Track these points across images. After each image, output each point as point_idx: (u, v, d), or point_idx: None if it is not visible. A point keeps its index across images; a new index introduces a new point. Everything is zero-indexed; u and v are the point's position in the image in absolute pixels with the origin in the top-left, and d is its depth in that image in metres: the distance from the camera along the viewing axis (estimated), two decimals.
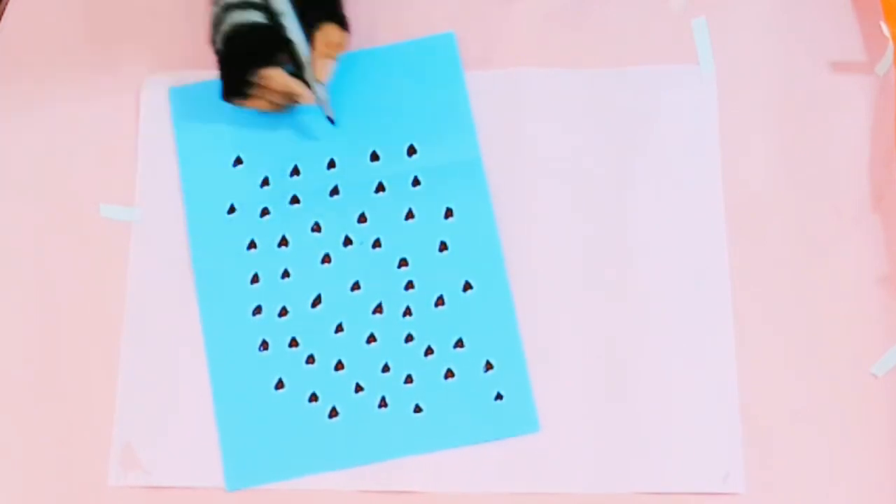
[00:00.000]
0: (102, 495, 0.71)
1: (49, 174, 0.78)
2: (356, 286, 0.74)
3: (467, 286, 0.73)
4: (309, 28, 0.73)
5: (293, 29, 0.73)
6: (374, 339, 0.73)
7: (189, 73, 0.78)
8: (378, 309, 0.73)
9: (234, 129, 0.77)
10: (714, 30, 0.76)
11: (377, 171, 0.76)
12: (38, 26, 0.81)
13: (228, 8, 0.72)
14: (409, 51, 0.78)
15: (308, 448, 0.71)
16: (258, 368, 0.73)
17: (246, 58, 0.72)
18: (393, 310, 0.73)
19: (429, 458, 0.70)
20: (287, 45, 0.73)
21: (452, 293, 0.73)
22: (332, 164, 0.76)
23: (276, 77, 0.72)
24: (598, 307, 0.72)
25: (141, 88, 0.78)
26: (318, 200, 0.75)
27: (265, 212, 0.76)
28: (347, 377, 0.72)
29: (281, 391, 0.72)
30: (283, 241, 0.75)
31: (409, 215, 0.75)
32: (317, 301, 0.74)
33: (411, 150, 0.76)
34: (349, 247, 0.74)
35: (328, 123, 0.75)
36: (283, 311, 0.74)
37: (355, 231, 0.75)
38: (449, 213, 0.75)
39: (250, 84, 0.73)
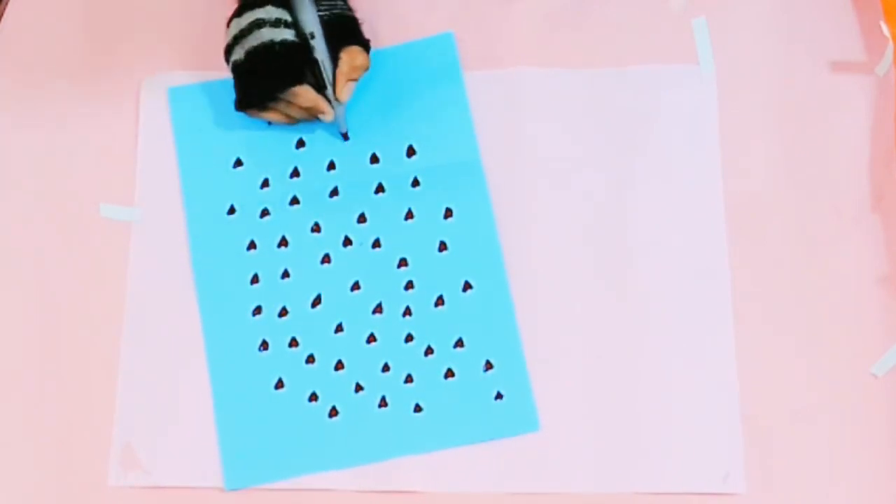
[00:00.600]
0: (102, 495, 0.71)
1: (49, 174, 0.78)
2: (356, 286, 0.74)
3: (467, 286, 0.73)
4: (334, 50, 0.75)
5: (320, 49, 0.74)
6: (374, 339, 0.72)
7: (189, 73, 0.78)
8: (378, 309, 0.73)
9: (234, 130, 0.78)
10: (714, 30, 0.76)
11: (377, 173, 0.76)
12: (38, 26, 0.81)
13: (260, 24, 0.73)
14: (408, 52, 0.78)
15: (308, 447, 0.71)
16: (258, 368, 0.73)
17: (276, 74, 0.73)
18: (393, 310, 0.73)
19: (428, 457, 0.70)
20: (314, 64, 0.74)
21: (452, 293, 0.73)
22: (331, 166, 0.77)
23: (305, 95, 0.73)
24: (597, 307, 0.72)
25: (141, 88, 0.78)
26: (318, 201, 0.76)
27: (265, 212, 0.76)
28: (347, 377, 0.72)
29: (281, 391, 0.72)
30: (283, 242, 0.75)
31: (409, 215, 0.75)
32: (317, 301, 0.74)
33: (411, 151, 0.76)
34: (349, 247, 0.75)
35: (340, 138, 0.76)
36: (283, 312, 0.74)
37: (355, 231, 0.75)
38: (448, 213, 0.75)
39: (274, 99, 0.74)
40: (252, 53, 0.73)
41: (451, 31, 0.78)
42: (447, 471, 0.70)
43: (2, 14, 0.81)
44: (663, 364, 0.71)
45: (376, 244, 0.75)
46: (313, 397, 0.72)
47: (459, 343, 0.72)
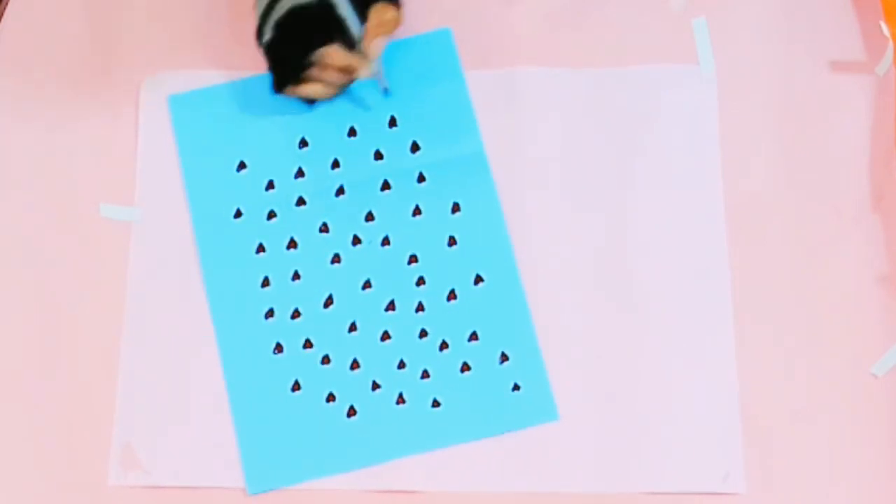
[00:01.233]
0: (102, 495, 0.70)
1: (49, 174, 0.76)
2: (367, 284, 0.74)
3: (478, 279, 0.74)
4: (362, 6, 0.74)
5: (344, 7, 0.73)
6: (388, 337, 0.73)
7: (189, 73, 0.77)
8: (390, 306, 0.74)
9: (236, 133, 0.77)
10: (714, 30, 0.77)
11: (381, 170, 0.76)
12: (38, 26, 0.79)
13: None
14: (407, 48, 0.78)
15: (328, 448, 0.71)
16: (273, 371, 0.73)
17: (302, 40, 0.72)
18: (405, 306, 0.73)
19: (428, 457, 0.70)
20: (339, 23, 0.73)
21: (464, 287, 0.74)
22: (336, 165, 0.77)
23: (335, 54, 0.73)
24: (597, 308, 0.73)
25: (141, 88, 0.77)
26: (324, 201, 0.76)
27: (272, 215, 0.76)
28: (363, 375, 0.72)
29: (298, 393, 0.72)
30: (292, 244, 0.75)
31: (416, 212, 0.75)
32: (328, 301, 0.74)
33: (414, 147, 0.77)
34: (358, 246, 0.75)
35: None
36: (296, 313, 0.74)
37: (363, 230, 0.75)
38: (456, 207, 0.75)
39: (307, 66, 0.73)
40: (279, 25, 0.73)
41: (449, 27, 0.79)
42: (446, 471, 0.70)
43: (2, 14, 0.79)
44: (663, 364, 0.72)
45: (385, 242, 0.75)
46: (330, 398, 0.72)
47: (474, 336, 0.73)
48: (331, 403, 0.72)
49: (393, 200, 0.76)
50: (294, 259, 0.75)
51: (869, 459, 0.70)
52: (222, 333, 0.73)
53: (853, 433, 0.70)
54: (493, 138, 0.76)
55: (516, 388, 0.72)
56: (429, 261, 0.74)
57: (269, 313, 0.74)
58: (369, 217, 0.75)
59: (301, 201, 0.76)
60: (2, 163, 0.77)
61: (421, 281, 0.74)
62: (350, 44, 0.74)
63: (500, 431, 0.71)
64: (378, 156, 0.77)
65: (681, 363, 0.72)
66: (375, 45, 0.74)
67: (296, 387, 0.73)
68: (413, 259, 0.75)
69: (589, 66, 0.77)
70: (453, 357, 0.73)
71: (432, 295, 0.74)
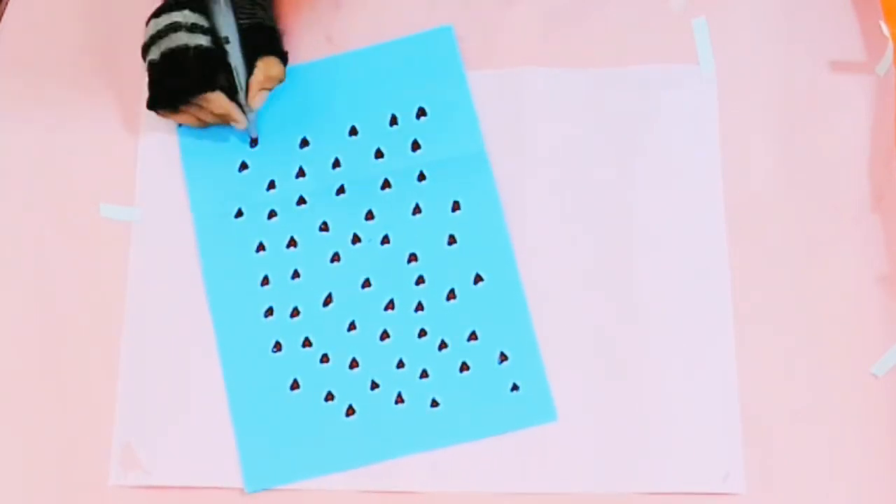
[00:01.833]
0: (102, 495, 0.71)
1: (49, 174, 0.77)
2: (367, 283, 0.74)
3: (478, 278, 0.74)
4: (250, 59, 0.76)
5: (235, 55, 0.75)
6: (388, 336, 0.73)
7: None
8: (390, 305, 0.73)
9: (238, 135, 0.77)
10: (714, 30, 0.77)
11: (382, 168, 0.76)
12: (38, 26, 0.79)
13: (176, 28, 0.73)
14: (408, 46, 0.78)
15: (326, 447, 0.71)
16: (272, 370, 0.73)
17: (189, 79, 0.73)
18: (405, 305, 0.73)
19: (426, 457, 0.70)
20: (228, 69, 0.74)
21: (463, 286, 0.74)
22: (336, 164, 0.77)
23: (217, 101, 0.74)
24: (596, 308, 0.73)
25: (141, 88, 0.76)
26: (325, 200, 0.76)
27: (272, 214, 0.76)
28: (362, 375, 0.72)
29: (296, 391, 0.72)
30: (292, 242, 0.75)
31: (416, 210, 0.75)
32: (328, 300, 0.74)
33: (415, 146, 0.77)
34: (358, 245, 0.75)
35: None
36: (295, 312, 0.74)
37: (363, 229, 0.75)
38: (456, 206, 0.75)
39: (186, 102, 0.73)
40: (167, 56, 0.73)
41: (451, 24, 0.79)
42: (446, 470, 0.70)
43: (2, 14, 0.79)
44: (663, 364, 0.72)
45: (385, 240, 0.75)
46: (329, 397, 0.72)
47: (473, 336, 0.73)
48: (329, 402, 0.72)
49: (393, 199, 0.76)
50: (294, 258, 0.75)
51: (869, 459, 0.70)
52: (222, 332, 0.73)
53: (853, 433, 0.70)
54: (494, 137, 0.76)
55: (515, 388, 0.72)
56: (428, 260, 0.74)
57: (269, 312, 0.74)
58: (369, 216, 0.75)
59: (301, 200, 0.76)
60: (2, 163, 0.77)
61: (420, 280, 0.74)
62: (232, 91, 0.74)
63: (498, 431, 0.71)
64: (378, 154, 0.77)
65: (681, 363, 0.72)
66: (259, 98, 0.75)
67: (295, 385, 0.73)
68: (413, 258, 0.75)
69: (589, 65, 0.77)
70: (452, 357, 0.73)
71: (432, 294, 0.74)
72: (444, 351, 0.73)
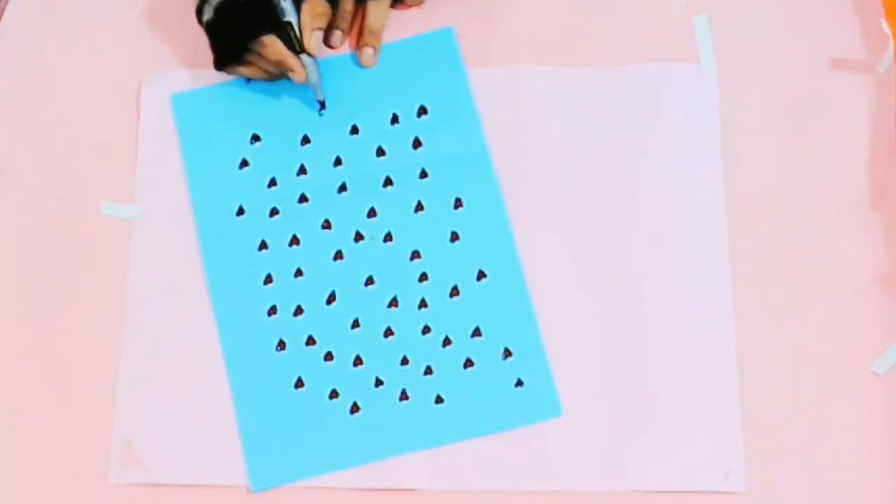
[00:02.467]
0: (102, 493, 0.71)
1: (50, 172, 0.77)
2: (370, 281, 0.74)
3: (481, 275, 0.74)
4: (296, 2, 0.74)
5: (290, 11, 0.74)
6: (391, 333, 0.73)
7: (189, 72, 0.78)
8: (393, 302, 0.73)
9: (239, 132, 0.77)
10: (715, 27, 0.77)
11: (384, 166, 0.76)
12: (38, 26, 0.79)
13: None
14: (409, 47, 0.79)
15: (331, 445, 0.71)
16: (276, 368, 0.72)
17: (243, 25, 0.73)
18: (408, 302, 0.73)
19: (431, 454, 0.70)
20: (279, 18, 0.73)
21: (466, 282, 0.73)
22: (338, 162, 0.77)
23: (272, 46, 0.74)
24: (599, 305, 0.73)
25: (141, 88, 0.78)
26: (327, 198, 0.76)
27: (274, 212, 0.76)
28: (367, 372, 0.72)
29: (301, 390, 0.72)
30: (294, 240, 0.75)
31: (419, 207, 0.75)
32: (331, 298, 0.74)
33: (416, 143, 0.77)
34: (360, 242, 0.75)
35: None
36: (299, 310, 0.73)
37: (365, 226, 0.75)
38: (458, 203, 0.75)
39: (247, 51, 0.74)
40: (220, 10, 0.73)
41: (452, 26, 0.79)
42: (451, 468, 0.70)
43: (1, 14, 0.80)
44: (664, 363, 0.72)
45: (388, 238, 0.75)
46: (334, 394, 0.72)
47: (477, 332, 0.73)
48: (334, 400, 0.72)
49: (395, 197, 0.76)
50: (296, 256, 0.75)
51: (870, 458, 0.69)
52: (225, 331, 0.73)
53: (854, 432, 0.69)
54: (496, 135, 0.76)
55: (520, 383, 0.72)
56: (431, 257, 0.74)
57: (272, 310, 0.74)
58: (371, 213, 0.75)
59: (303, 198, 0.76)
60: (2, 162, 0.78)
61: (423, 277, 0.74)
62: (290, 45, 0.74)
63: (503, 428, 0.71)
64: (380, 152, 0.77)
65: (681, 362, 0.72)
66: (314, 40, 0.74)
67: (299, 384, 0.72)
68: (416, 255, 0.75)
69: (590, 64, 0.77)
70: (456, 353, 0.72)
71: (435, 291, 0.73)
72: (448, 347, 0.72)
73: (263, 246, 0.75)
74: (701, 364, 0.71)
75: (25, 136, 0.78)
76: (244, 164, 0.77)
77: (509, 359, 0.72)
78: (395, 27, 0.79)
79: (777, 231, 0.73)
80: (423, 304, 0.73)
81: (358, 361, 0.73)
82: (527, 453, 0.70)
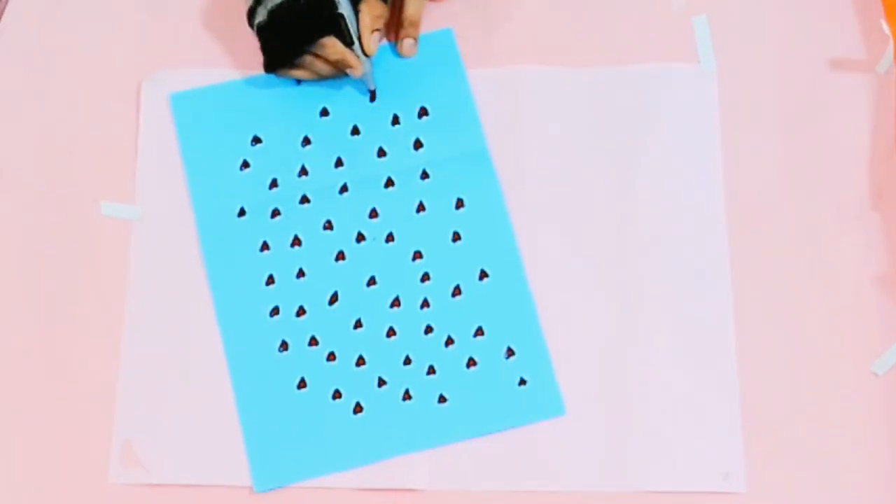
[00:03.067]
0: (102, 493, 0.70)
1: (50, 172, 0.77)
2: (372, 281, 0.74)
3: (483, 274, 0.74)
4: (353, 4, 0.74)
5: (344, 4, 0.75)
6: (394, 333, 0.73)
7: (189, 71, 0.78)
8: (395, 302, 0.73)
9: (239, 132, 0.77)
10: (715, 28, 0.77)
11: (385, 167, 0.76)
12: (38, 26, 0.79)
13: None
14: None
15: (334, 445, 0.71)
16: (279, 369, 0.72)
17: (302, 28, 0.73)
18: (410, 302, 0.73)
19: (435, 454, 0.70)
20: (340, 20, 0.73)
21: (468, 282, 0.74)
22: (339, 163, 0.77)
23: (333, 46, 0.74)
24: (598, 307, 0.73)
25: (141, 87, 0.77)
26: (328, 199, 0.76)
27: (276, 213, 0.76)
28: (369, 372, 0.72)
29: (304, 390, 0.72)
30: (296, 241, 0.75)
31: (420, 208, 0.75)
32: (333, 298, 0.74)
33: (417, 144, 0.77)
34: (362, 243, 0.75)
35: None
36: (301, 311, 0.73)
37: (367, 227, 0.75)
38: (460, 203, 0.75)
39: (301, 53, 0.74)
40: (275, 12, 0.73)
41: (451, 27, 0.79)
42: (454, 468, 0.70)
43: (1, 14, 0.79)
44: (664, 363, 0.72)
45: (389, 238, 0.75)
46: (337, 395, 0.72)
47: (479, 331, 0.73)
48: (337, 400, 0.72)
49: (396, 197, 0.76)
50: (298, 257, 0.75)
51: (870, 458, 0.70)
52: (227, 332, 0.73)
53: (854, 432, 0.70)
54: (496, 135, 0.76)
55: (523, 382, 0.72)
56: (433, 257, 0.74)
57: (275, 311, 0.74)
58: (373, 214, 0.75)
59: (305, 199, 0.76)
60: (2, 162, 0.77)
61: (426, 277, 0.74)
62: (348, 43, 0.74)
63: (507, 427, 0.71)
64: (381, 153, 0.77)
65: (681, 362, 0.72)
66: (373, 41, 0.75)
67: (302, 384, 0.72)
68: (417, 255, 0.75)
69: (590, 64, 0.77)
70: (459, 352, 0.73)
71: (437, 291, 0.74)
72: (450, 347, 0.73)
73: (265, 247, 0.75)
74: (701, 364, 0.72)
75: (25, 136, 0.78)
76: (245, 164, 0.77)
77: (512, 358, 0.72)
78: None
79: (777, 231, 0.74)
80: (425, 303, 0.73)
81: (361, 361, 0.73)
82: (527, 454, 0.70)
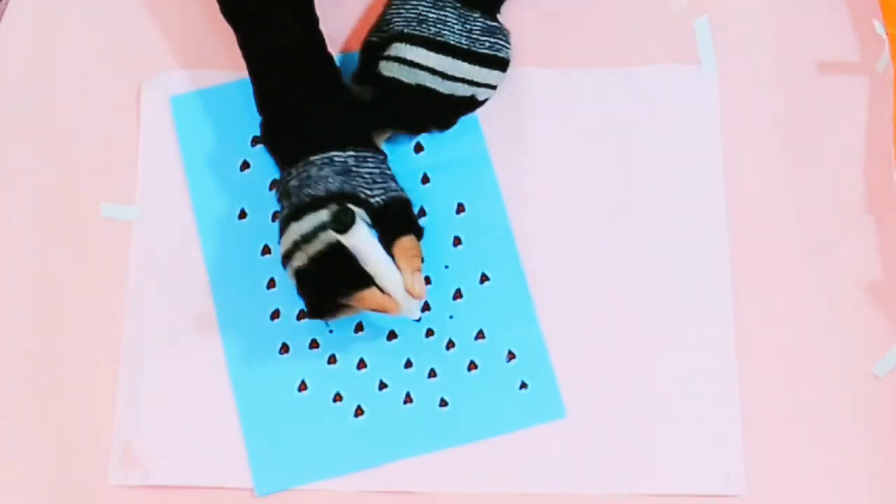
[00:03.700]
0: (103, 494, 0.71)
1: (50, 174, 0.76)
2: None
3: (483, 278, 0.74)
4: (389, 237, 0.70)
5: (371, 253, 0.67)
6: (395, 336, 0.73)
7: (189, 73, 0.77)
8: None
9: (239, 134, 0.77)
10: (716, 29, 0.77)
11: None
12: (38, 26, 0.79)
13: (325, 227, 0.67)
14: None
15: (335, 448, 0.71)
16: (280, 372, 0.73)
17: (340, 279, 0.68)
18: None
19: (437, 457, 0.70)
20: (365, 275, 0.68)
21: (470, 286, 0.74)
22: None
23: (371, 298, 0.69)
24: (598, 310, 0.73)
25: (141, 88, 0.77)
26: None
27: (276, 216, 0.75)
28: (370, 375, 0.72)
29: (304, 393, 0.72)
30: None
31: (422, 213, 0.75)
32: None
33: (418, 148, 0.77)
34: None
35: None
36: (302, 314, 0.73)
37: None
38: (461, 208, 0.75)
39: (342, 301, 0.69)
40: (317, 259, 0.68)
41: None
42: (456, 471, 0.70)
43: (2, 14, 0.79)
44: (663, 364, 0.72)
45: None
46: (337, 397, 0.72)
47: (480, 335, 0.73)
48: (338, 403, 0.72)
49: None
50: None
51: (870, 460, 0.70)
52: (228, 335, 0.73)
53: (854, 434, 0.70)
54: (496, 138, 0.76)
55: (523, 385, 0.72)
56: (434, 261, 0.74)
57: (275, 314, 0.74)
58: None
59: None
60: (2, 162, 0.77)
61: (426, 280, 0.74)
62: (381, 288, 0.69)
63: (507, 430, 0.71)
64: None
65: (681, 364, 0.72)
66: (416, 282, 0.69)
67: (302, 387, 0.72)
68: None
69: (590, 66, 0.77)
70: (460, 356, 0.73)
71: (438, 294, 0.74)
72: (451, 350, 0.73)
73: (266, 251, 0.75)
74: (701, 367, 0.72)
75: (25, 136, 0.77)
76: (245, 166, 0.77)
77: (513, 361, 0.73)
78: None
79: (778, 232, 0.74)
80: (426, 306, 0.73)
81: (362, 364, 0.73)
82: (527, 456, 0.70)
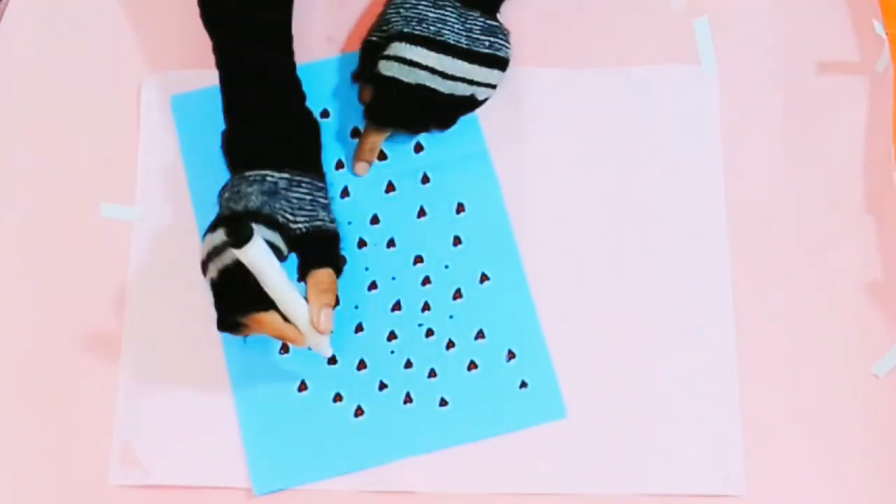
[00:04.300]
0: (103, 494, 0.71)
1: (50, 174, 0.77)
2: (373, 286, 0.74)
3: (484, 277, 0.74)
4: (305, 268, 0.70)
5: (275, 278, 0.65)
6: (395, 336, 0.73)
7: (188, 72, 0.78)
8: (396, 306, 0.73)
9: None
10: (716, 29, 0.77)
11: (386, 171, 0.76)
12: (38, 26, 0.79)
13: (219, 223, 0.68)
14: None
15: (335, 448, 0.71)
16: (280, 372, 0.72)
17: (241, 299, 0.67)
18: (411, 306, 0.73)
19: (436, 457, 0.70)
20: (264, 298, 0.66)
21: (469, 285, 0.74)
22: (339, 166, 0.77)
23: (270, 323, 0.67)
24: (598, 309, 0.73)
25: (141, 88, 0.77)
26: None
27: None
28: (371, 375, 0.72)
29: (304, 393, 0.72)
30: None
31: (421, 213, 0.75)
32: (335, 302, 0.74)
33: (418, 147, 0.77)
34: (363, 248, 0.75)
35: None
36: None
37: (368, 233, 0.75)
38: (460, 207, 0.75)
39: (242, 321, 0.68)
40: (223, 273, 0.68)
41: None
42: (456, 471, 0.70)
43: (2, 14, 0.79)
44: (664, 366, 0.72)
45: (391, 244, 0.75)
46: (338, 398, 0.72)
47: (480, 335, 0.73)
48: (338, 403, 0.72)
49: (398, 202, 0.76)
50: None
51: (870, 460, 0.70)
52: (228, 335, 0.72)
53: (854, 434, 0.70)
54: (496, 138, 0.76)
55: (524, 385, 0.72)
56: (434, 261, 0.74)
57: None
58: (374, 220, 0.75)
59: None
60: (2, 163, 0.77)
61: (427, 281, 0.74)
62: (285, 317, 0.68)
63: (508, 429, 0.71)
64: (382, 157, 0.77)
65: (681, 364, 0.72)
66: (324, 318, 0.67)
67: (302, 387, 0.72)
68: (419, 259, 0.75)
69: (590, 66, 0.77)
70: (460, 356, 0.73)
71: (438, 294, 0.74)
72: (451, 350, 0.73)
73: None
74: (701, 367, 0.72)
75: (25, 136, 0.78)
76: None
77: (513, 361, 0.73)
78: None
79: (778, 232, 0.74)
80: (426, 307, 0.73)
81: (362, 365, 0.73)
82: (528, 456, 0.70)
